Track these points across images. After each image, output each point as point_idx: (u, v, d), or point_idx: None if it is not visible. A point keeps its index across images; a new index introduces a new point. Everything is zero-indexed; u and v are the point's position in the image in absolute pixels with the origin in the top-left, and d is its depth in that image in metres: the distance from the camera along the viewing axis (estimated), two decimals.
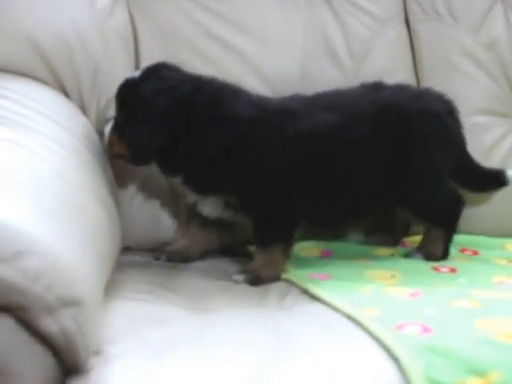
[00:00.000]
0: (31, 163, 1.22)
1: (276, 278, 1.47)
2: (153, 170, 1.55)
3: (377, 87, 1.61)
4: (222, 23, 1.72)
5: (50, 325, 0.97)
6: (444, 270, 1.53)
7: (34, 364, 0.99)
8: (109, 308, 1.25)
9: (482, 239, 1.74)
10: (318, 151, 1.50)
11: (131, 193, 1.66)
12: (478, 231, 1.76)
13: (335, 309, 1.28)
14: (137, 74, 1.49)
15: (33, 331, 0.98)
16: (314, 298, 1.35)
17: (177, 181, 1.50)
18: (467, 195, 1.69)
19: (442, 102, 1.64)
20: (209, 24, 1.72)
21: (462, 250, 1.69)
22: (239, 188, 1.47)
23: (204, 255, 1.61)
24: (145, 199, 1.67)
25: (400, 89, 1.62)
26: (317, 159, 1.50)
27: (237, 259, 1.60)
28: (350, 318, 1.23)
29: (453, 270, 1.53)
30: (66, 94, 1.62)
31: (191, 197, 1.52)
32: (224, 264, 1.58)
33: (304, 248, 1.63)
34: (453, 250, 1.65)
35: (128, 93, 1.47)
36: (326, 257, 1.62)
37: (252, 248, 1.54)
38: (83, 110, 1.62)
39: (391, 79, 1.67)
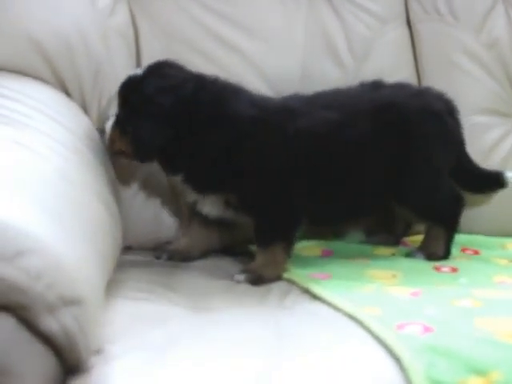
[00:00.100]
0: (33, 162, 1.22)
1: (277, 278, 1.47)
2: (154, 168, 1.55)
3: (376, 86, 1.61)
4: (224, 23, 1.72)
5: (50, 324, 0.97)
6: (445, 269, 1.53)
7: (34, 363, 0.99)
8: (110, 307, 1.25)
9: (482, 239, 1.74)
10: (319, 150, 1.50)
11: (132, 192, 1.66)
12: (478, 231, 1.76)
13: (336, 308, 1.28)
14: (139, 71, 1.49)
15: (34, 330, 0.98)
16: (315, 297, 1.35)
17: (177, 179, 1.50)
18: (468, 195, 1.69)
19: (442, 101, 1.64)
20: (210, 23, 1.72)
21: (463, 250, 1.69)
22: (240, 187, 1.47)
23: (205, 254, 1.61)
24: (146, 198, 1.67)
25: (400, 87, 1.63)
26: (317, 158, 1.50)
27: (238, 259, 1.60)
28: (350, 317, 1.23)
29: (454, 270, 1.53)
30: (68, 94, 1.62)
31: (191, 195, 1.52)
32: (225, 263, 1.58)
33: (305, 247, 1.63)
34: (454, 250, 1.65)
35: (131, 90, 1.47)
36: (327, 256, 1.62)
37: (253, 247, 1.54)
38: (84, 109, 1.62)
39: (392, 79, 1.67)
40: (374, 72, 1.73)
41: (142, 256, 1.61)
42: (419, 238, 1.68)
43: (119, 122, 1.48)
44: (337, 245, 1.67)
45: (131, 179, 1.66)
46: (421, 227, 1.69)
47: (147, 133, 1.43)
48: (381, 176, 1.55)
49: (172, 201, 1.67)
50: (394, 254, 1.63)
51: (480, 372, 1.08)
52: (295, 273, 1.47)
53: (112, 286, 1.31)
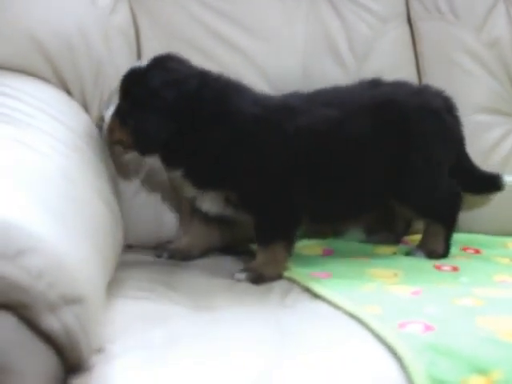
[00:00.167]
0: (34, 161, 1.22)
1: (278, 276, 1.47)
2: (155, 165, 1.54)
3: (375, 84, 1.61)
4: (225, 22, 1.72)
5: (52, 323, 0.97)
6: (446, 268, 1.53)
7: (35, 362, 0.99)
8: (110, 306, 1.25)
9: (484, 238, 1.74)
10: (319, 148, 1.50)
11: (133, 191, 1.66)
12: (479, 230, 1.76)
13: (337, 307, 1.28)
14: (143, 63, 1.48)
15: (35, 329, 0.98)
16: (316, 296, 1.35)
17: (177, 174, 1.50)
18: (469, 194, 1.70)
19: (441, 99, 1.65)
20: (211, 22, 1.72)
21: (464, 249, 1.69)
22: (240, 185, 1.47)
23: (206, 253, 1.61)
24: (147, 197, 1.67)
25: (398, 85, 1.63)
26: (317, 156, 1.50)
27: (239, 257, 1.60)
28: (351, 316, 1.23)
29: (455, 269, 1.53)
30: (69, 93, 1.62)
31: (190, 191, 1.52)
32: (226, 262, 1.58)
33: (306, 246, 1.63)
34: (455, 249, 1.65)
35: (134, 82, 1.46)
36: (328, 255, 1.62)
37: (254, 246, 1.54)
38: (85, 108, 1.62)
39: (393, 77, 1.66)
40: (374, 71, 1.73)
41: (142, 255, 1.61)
42: (419, 236, 1.68)
43: (120, 113, 1.48)
44: (337, 244, 1.67)
45: (132, 178, 1.66)
46: (421, 226, 1.69)
47: (152, 126, 1.43)
48: (380, 173, 1.55)
49: (173, 199, 1.67)
50: (394, 253, 1.63)
51: (481, 371, 1.08)
52: (296, 271, 1.47)
53: (113, 285, 1.31)
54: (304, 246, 1.63)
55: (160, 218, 1.68)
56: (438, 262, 1.56)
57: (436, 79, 1.79)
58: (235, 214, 1.52)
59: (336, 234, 1.72)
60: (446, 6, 1.83)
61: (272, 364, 1.08)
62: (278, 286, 1.43)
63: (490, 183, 1.72)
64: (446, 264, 1.55)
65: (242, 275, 1.47)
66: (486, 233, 1.76)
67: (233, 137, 1.45)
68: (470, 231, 1.75)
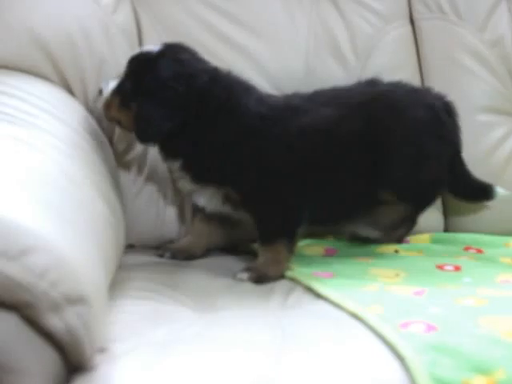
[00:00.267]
0: (37, 161, 1.22)
1: (280, 276, 1.47)
2: (157, 165, 1.54)
3: (373, 84, 1.61)
4: (227, 21, 1.72)
5: (55, 322, 0.97)
6: (448, 268, 1.53)
7: (38, 361, 0.99)
8: (112, 306, 1.25)
9: (486, 237, 1.73)
10: (320, 147, 1.51)
11: (135, 190, 1.66)
12: (481, 230, 1.76)
13: (339, 307, 1.28)
14: (154, 48, 1.48)
15: (37, 328, 0.98)
16: (318, 296, 1.35)
17: (175, 165, 1.50)
18: None
19: (441, 101, 1.65)
20: (214, 21, 1.72)
21: (467, 249, 1.68)
22: (242, 183, 1.47)
23: (208, 252, 1.61)
24: (149, 197, 1.67)
25: (397, 85, 1.63)
26: (319, 155, 1.50)
27: (241, 257, 1.60)
28: (354, 315, 1.23)
29: (457, 269, 1.53)
30: (71, 92, 1.62)
31: (187, 184, 1.51)
32: (228, 262, 1.58)
33: (308, 246, 1.63)
34: (457, 249, 1.65)
35: (143, 66, 1.46)
36: (330, 255, 1.62)
37: (256, 246, 1.54)
38: (87, 107, 1.62)
39: (395, 77, 1.67)
40: (377, 70, 1.73)
41: (144, 255, 1.61)
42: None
43: (121, 92, 1.48)
44: (340, 243, 1.67)
45: (134, 178, 1.66)
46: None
47: (158, 117, 1.43)
48: (374, 168, 1.55)
49: (175, 199, 1.67)
50: (397, 253, 1.63)
51: (484, 371, 1.07)
52: (298, 271, 1.47)
53: (115, 285, 1.31)
54: (306, 245, 1.63)
55: (162, 217, 1.68)
56: (440, 262, 1.56)
57: (438, 78, 1.79)
58: (233, 212, 1.52)
59: (337, 233, 1.71)
60: (448, 5, 1.82)
61: (274, 364, 1.08)
62: (280, 285, 1.43)
63: (480, 192, 1.71)
64: (448, 264, 1.55)
65: (244, 275, 1.47)
66: (488, 232, 1.76)
67: (237, 133, 1.45)
68: (472, 231, 1.75)
